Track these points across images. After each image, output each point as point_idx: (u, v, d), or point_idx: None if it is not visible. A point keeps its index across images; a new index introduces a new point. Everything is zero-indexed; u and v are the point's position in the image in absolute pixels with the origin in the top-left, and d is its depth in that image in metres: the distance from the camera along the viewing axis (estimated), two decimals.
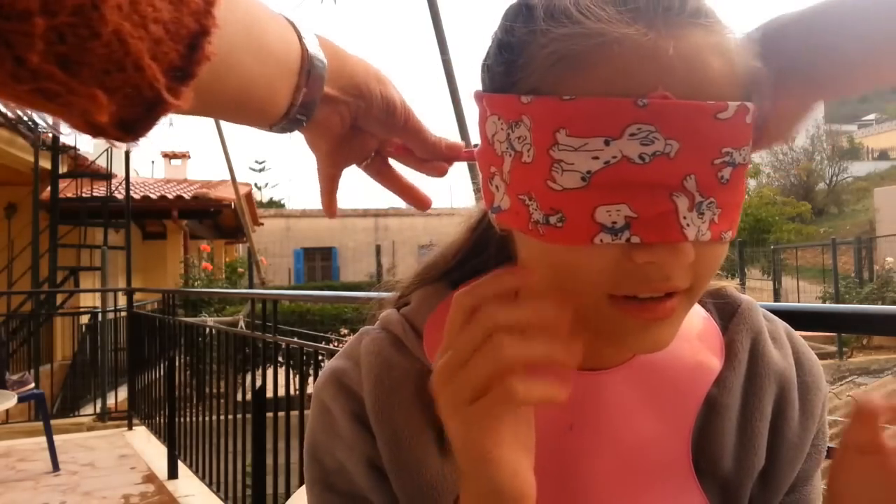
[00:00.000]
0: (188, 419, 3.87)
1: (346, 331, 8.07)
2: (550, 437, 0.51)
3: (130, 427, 5.21)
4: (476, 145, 0.51)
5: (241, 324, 4.82)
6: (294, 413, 2.43)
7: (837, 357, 8.92)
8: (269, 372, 2.76)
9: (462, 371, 0.41)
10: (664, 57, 0.40)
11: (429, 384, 0.53)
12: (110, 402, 5.94)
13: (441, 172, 0.59)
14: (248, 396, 2.82)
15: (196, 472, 3.68)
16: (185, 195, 10.02)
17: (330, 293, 4.41)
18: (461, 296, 0.43)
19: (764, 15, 0.50)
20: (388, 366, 0.54)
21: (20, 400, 4.04)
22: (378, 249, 19.47)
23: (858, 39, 0.44)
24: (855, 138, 31.38)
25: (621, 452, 0.52)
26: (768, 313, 0.60)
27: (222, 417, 3.26)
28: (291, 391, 3.30)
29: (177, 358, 4.11)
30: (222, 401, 3.38)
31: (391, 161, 0.60)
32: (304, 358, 2.60)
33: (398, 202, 0.64)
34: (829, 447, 0.59)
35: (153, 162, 18.61)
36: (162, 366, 4.29)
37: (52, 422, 4.31)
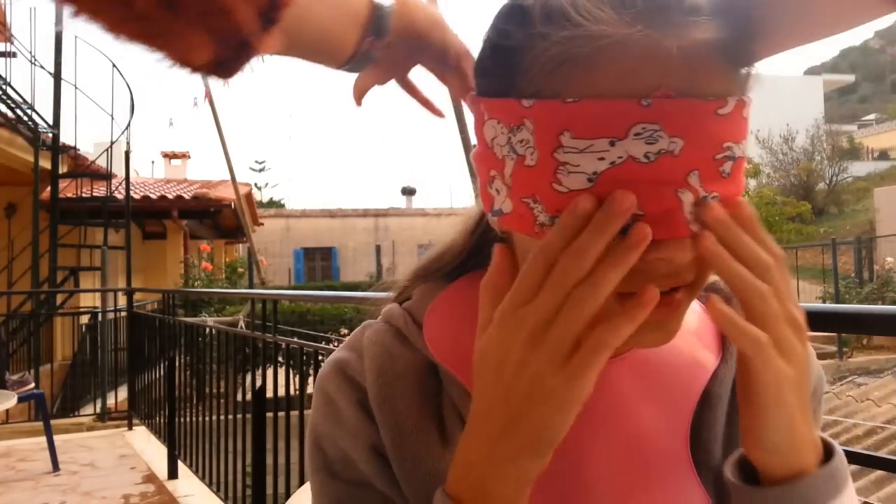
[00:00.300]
0: (188, 419, 3.87)
1: (346, 331, 8.08)
2: None
3: (130, 427, 5.21)
4: (475, 146, 0.51)
5: (241, 324, 4.82)
6: (294, 413, 2.44)
7: (837, 357, 8.91)
8: (269, 372, 2.76)
9: (550, 331, 0.41)
10: (666, 56, 0.40)
11: (429, 375, 0.54)
12: (110, 402, 5.94)
13: (441, 114, 0.69)
14: (248, 396, 2.82)
15: (196, 472, 3.68)
16: (185, 195, 10.01)
17: (330, 293, 4.42)
18: (537, 257, 0.42)
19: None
20: (390, 357, 0.54)
21: (20, 400, 4.04)
22: (378, 249, 19.48)
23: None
24: (855, 138, 31.30)
25: (623, 443, 0.52)
26: None
27: (222, 417, 3.26)
28: (291, 391, 3.30)
29: (177, 358, 4.11)
30: (222, 401, 3.38)
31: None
32: (304, 358, 2.60)
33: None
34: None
35: (153, 162, 18.64)
36: (162, 366, 4.30)
37: (52, 422, 4.31)
